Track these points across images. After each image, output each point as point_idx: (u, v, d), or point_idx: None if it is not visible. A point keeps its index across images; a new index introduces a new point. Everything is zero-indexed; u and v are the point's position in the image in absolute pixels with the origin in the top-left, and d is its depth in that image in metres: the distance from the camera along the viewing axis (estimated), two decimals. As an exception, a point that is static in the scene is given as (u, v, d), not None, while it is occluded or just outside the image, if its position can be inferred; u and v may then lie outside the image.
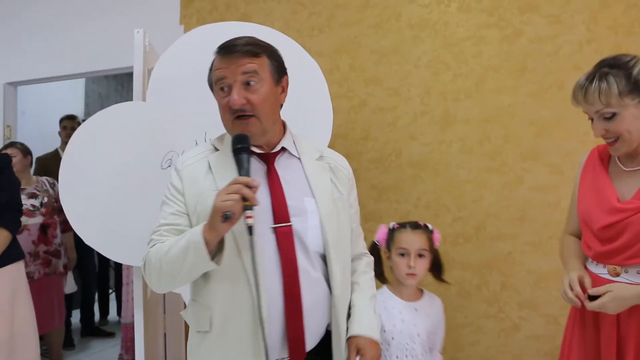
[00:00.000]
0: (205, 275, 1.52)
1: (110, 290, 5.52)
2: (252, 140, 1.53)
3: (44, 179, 3.87)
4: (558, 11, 2.64)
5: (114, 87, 7.22)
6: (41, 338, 3.99)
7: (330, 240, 1.55)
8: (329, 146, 2.40)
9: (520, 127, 2.70)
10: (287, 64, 2.31)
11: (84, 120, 3.15)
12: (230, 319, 1.49)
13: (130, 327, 3.84)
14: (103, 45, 3.71)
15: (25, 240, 3.56)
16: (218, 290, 1.51)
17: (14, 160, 3.69)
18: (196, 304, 1.59)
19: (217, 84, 1.55)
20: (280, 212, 1.52)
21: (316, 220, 1.55)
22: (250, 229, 1.38)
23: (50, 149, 4.62)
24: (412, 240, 2.07)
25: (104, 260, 5.11)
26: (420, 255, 2.06)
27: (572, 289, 1.72)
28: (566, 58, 2.62)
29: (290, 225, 1.52)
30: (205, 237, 1.39)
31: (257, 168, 1.57)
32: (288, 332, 1.49)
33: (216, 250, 1.43)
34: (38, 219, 3.72)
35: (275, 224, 1.51)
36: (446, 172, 2.84)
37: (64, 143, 4.21)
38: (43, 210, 3.75)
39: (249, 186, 1.37)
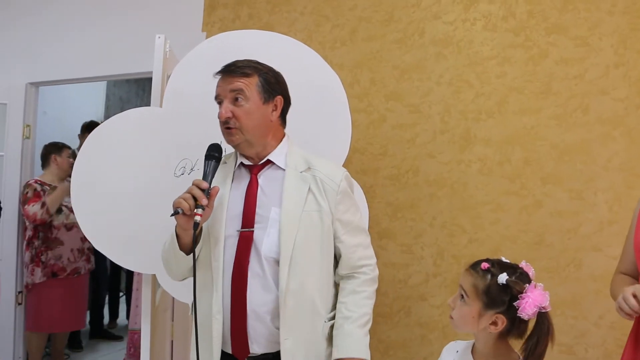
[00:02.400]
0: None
1: (121, 294, 5.52)
2: (240, 151, 1.77)
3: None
4: (586, 33, 2.59)
5: (134, 91, 7.28)
6: (49, 339, 4.02)
7: (286, 249, 1.66)
8: (346, 161, 2.37)
9: (541, 151, 2.64)
10: (308, 75, 2.29)
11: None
12: (199, 308, 1.70)
13: (137, 333, 3.84)
14: (125, 49, 3.72)
15: (74, 237, 3.85)
16: (197, 281, 1.69)
17: (72, 162, 3.83)
18: None
19: (215, 99, 1.76)
20: (247, 218, 1.71)
21: (276, 228, 1.68)
22: (195, 225, 1.59)
23: (70, 150, 4.64)
24: (461, 277, 1.64)
25: (115, 263, 5.10)
26: (462, 297, 1.59)
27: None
28: (592, 82, 2.56)
29: (252, 231, 1.70)
30: (176, 230, 1.68)
31: (243, 177, 1.78)
32: (232, 328, 1.67)
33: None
34: None
35: (241, 228, 1.71)
36: (463, 192, 2.79)
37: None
38: None
39: (200, 187, 1.60)
